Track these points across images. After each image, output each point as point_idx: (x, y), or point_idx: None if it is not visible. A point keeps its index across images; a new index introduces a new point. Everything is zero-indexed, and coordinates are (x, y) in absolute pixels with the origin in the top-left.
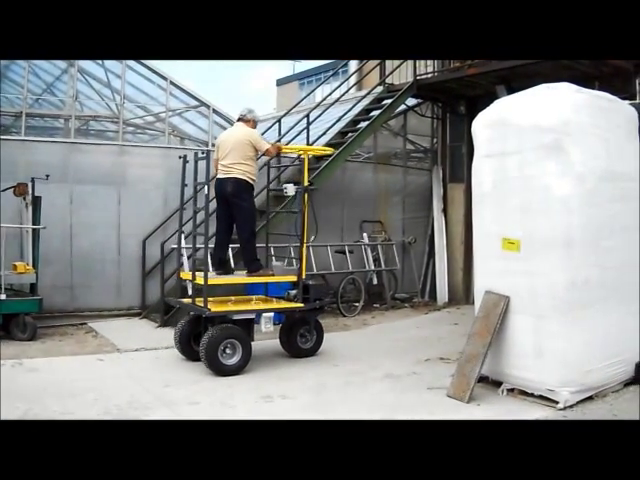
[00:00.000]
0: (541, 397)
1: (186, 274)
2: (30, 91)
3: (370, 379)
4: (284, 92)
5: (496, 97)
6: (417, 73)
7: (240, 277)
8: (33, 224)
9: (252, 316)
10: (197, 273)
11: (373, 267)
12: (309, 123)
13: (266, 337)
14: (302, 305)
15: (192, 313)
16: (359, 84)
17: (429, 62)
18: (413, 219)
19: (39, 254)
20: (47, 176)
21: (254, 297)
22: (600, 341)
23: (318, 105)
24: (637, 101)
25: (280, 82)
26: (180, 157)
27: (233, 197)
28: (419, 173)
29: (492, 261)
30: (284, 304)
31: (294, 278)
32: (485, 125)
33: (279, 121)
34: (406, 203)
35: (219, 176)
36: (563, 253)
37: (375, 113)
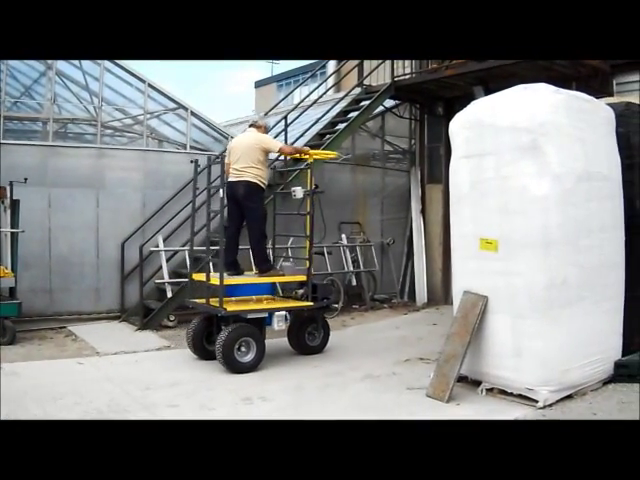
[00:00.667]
0: (520, 396)
1: (199, 275)
2: (8, 94)
3: (350, 380)
4: (262, 94)
5: (474, 98)
6: (395, 74)
7: (251, 277)
8: (12, 228)
9: (265, 315)
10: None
11: (352, 268)
12: (287, 125)
13: None
14: (312, 304)
15: (203, 313)
16: (337, 86)
17: (407, 63)
18: (392, 220)
19: (18, 258)
20: (25, 179)
21: (264, 297)
22: (579, 340)
23: (296, 107)
24: (614, 101)
25: (258, 84)
26: (192, 162)
27: (244, 200)
28: (397, 174)
29: (470, 261)
30: (295, 303)
31: (304, 278)
32: (462, 126)
33: None
34: (384, 204)
35: (231, 179)
36: (541, 253)
37: (353, 114)
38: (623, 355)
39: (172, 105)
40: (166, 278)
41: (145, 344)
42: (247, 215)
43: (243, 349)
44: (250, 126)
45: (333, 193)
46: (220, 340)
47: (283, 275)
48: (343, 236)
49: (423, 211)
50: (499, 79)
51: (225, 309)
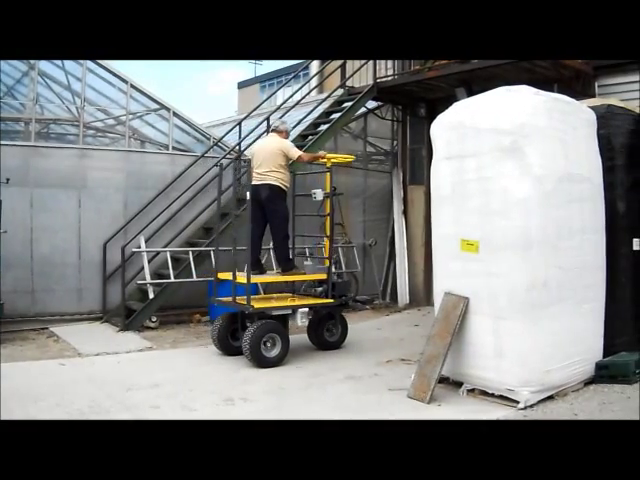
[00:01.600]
0: (502, 397)
1: (225, 274)
2: None
3: (332, 381)
4: (245, 95)
5: (456, 100)
6: (377, 76)
7: (275, 276)
8: None
9: (289, 312)
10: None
11: (334, 269)
12: (269, 126)
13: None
14: (333, 301)
15: (227, 311)
16: (320, 87)
17: (389, 65)
18: (374, 221)
19: (0, 258)
20: (7, 179)
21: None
22: (560, 341)
23: (279, 108)
24: (596, 103)
25: (241, 85)
26: (217, 165)
27: (267, 202)
28: (379, 175)
29: (451, 263)
30: (316, 300)
31: (324, 276)
32: (444, 127)
33: (239, 124)
34: (367, 205)
35: (254, 182)
36: (522, 254)
37: (336, 116)
38: (604, 356)
39: (154, 106)
40: (148, 279)
41: (127, 345)
42: (270, 217)
43: (269, 344)
44: (272, 131)
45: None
46: (247, 336)
47: (304, 274)
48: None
49: (405, 212)
50: (481, 81)
51: (252, 306)
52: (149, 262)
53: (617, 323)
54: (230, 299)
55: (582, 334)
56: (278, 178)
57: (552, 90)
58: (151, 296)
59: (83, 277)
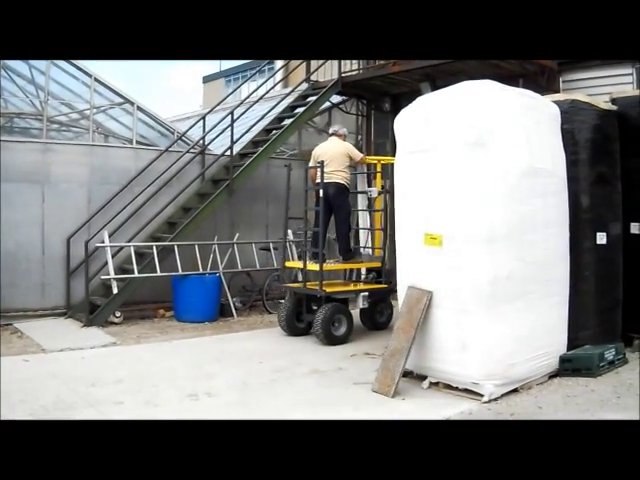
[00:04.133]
0: (466, 390)
1: (294, 263)
2: None
3: (296, 375)
4: (210, 89)
5: (421, 94)
6: (342, 70)
7: (337, 264)
8: None
9: (353, 295)
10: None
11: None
12: (233, 120)
13: (189, 335)
14: (387, 286)
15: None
16: (285, 81)
17: (354, 60)
18: None
19: None
20: None
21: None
22: (524, 334)
23: (243, 102)
24: (560, 98)
25: (206, 79)
26: (285, 166)
27: (334, 198)
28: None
29: (415, 256)
30: (374, 285)
31: (379, 264)
32: (408, 122)
33: (203, 118)
34: None
35: (320, 180)
36: (485, 248)
37: (300, 110)
38: (568, 349)
39: (118, 100)
40: (112, 274)
41: (91, 341)
42: (336, 212)
43: (336, 324)
44: (332, 135)
45: (279, 189)
46: (319, 317)
47: (362, 262)
48: (290, 232)
49: (370, 206)
50: (446, 75)
51: (325, 291)
52: (113, 257)
53: (581, 316)
54: (300, 285)
55: (546, 327)
56: (343, 177)
57: (517, 85)
58: (115, 291)
59: (47, 272)
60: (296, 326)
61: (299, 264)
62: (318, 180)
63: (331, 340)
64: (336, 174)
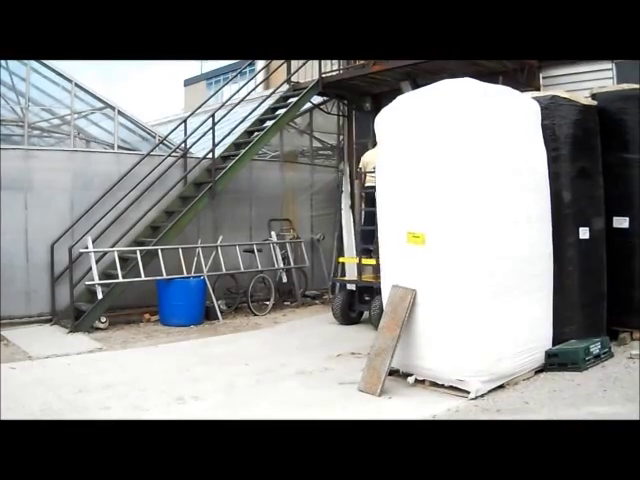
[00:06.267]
0: (452, 387)
1: (349, 258)
2: None
3: (282, 376)
4: (192, 92)
5: (401, 93)
6: (322, 71)
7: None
8: None
9: None
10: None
11: (282, 265)
12: (214, 123)
13: (175, 339)
14: None
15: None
16: (266, 83)
17: (334, 60)
18: (321, 216)
19: None
20: None
21: None
22: (509, 330)
23: (224, 105)
24: (540, 94)
25: (188, 82)
26: (339, 171)
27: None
28: (326, 170)
29: (398, 255)
30: None
31: None
32: (388, 121)
33: (185, 122)
34: (314, 200)
35: (368, 184)
36: (468, 245)
37: (281, 111)
38: (554, 344)
39: (99, 104)
40: (96, 279)
41: (77, 347)
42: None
43: None
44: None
45: (262, 191)
46: (376, 306)
47: None
48: (273, 233)
49: (352, 207)
50: (427, 74)
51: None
52: (97, 262)
53: (566, 311)
54: (352, 278)
55: (531, 323)
56: None
57: (497, 82)
58: (100, 296)
59: (31, 279)
60: (349, 316)
61: (355, 259)
62: (367, 184)
63: None
64: None
